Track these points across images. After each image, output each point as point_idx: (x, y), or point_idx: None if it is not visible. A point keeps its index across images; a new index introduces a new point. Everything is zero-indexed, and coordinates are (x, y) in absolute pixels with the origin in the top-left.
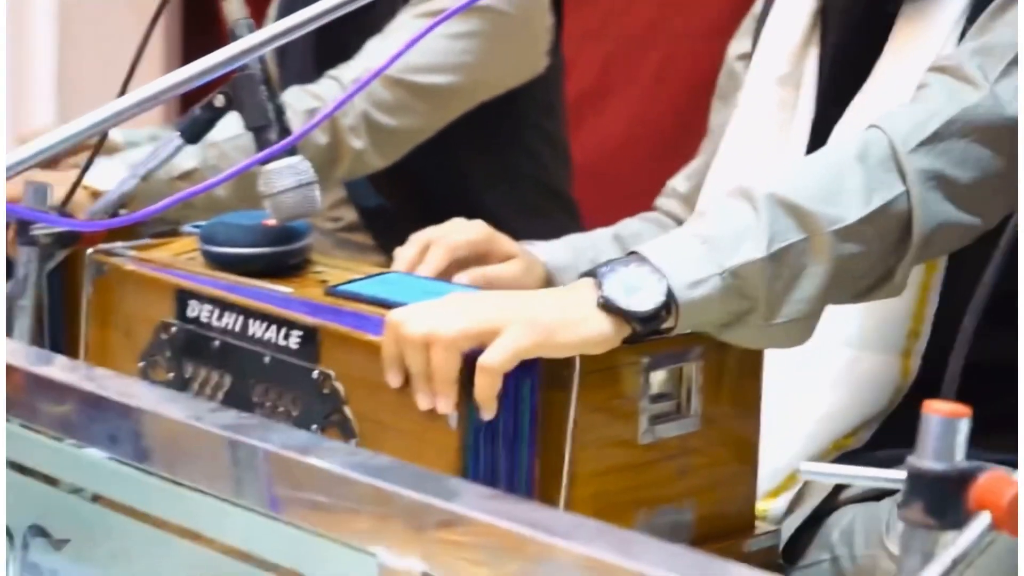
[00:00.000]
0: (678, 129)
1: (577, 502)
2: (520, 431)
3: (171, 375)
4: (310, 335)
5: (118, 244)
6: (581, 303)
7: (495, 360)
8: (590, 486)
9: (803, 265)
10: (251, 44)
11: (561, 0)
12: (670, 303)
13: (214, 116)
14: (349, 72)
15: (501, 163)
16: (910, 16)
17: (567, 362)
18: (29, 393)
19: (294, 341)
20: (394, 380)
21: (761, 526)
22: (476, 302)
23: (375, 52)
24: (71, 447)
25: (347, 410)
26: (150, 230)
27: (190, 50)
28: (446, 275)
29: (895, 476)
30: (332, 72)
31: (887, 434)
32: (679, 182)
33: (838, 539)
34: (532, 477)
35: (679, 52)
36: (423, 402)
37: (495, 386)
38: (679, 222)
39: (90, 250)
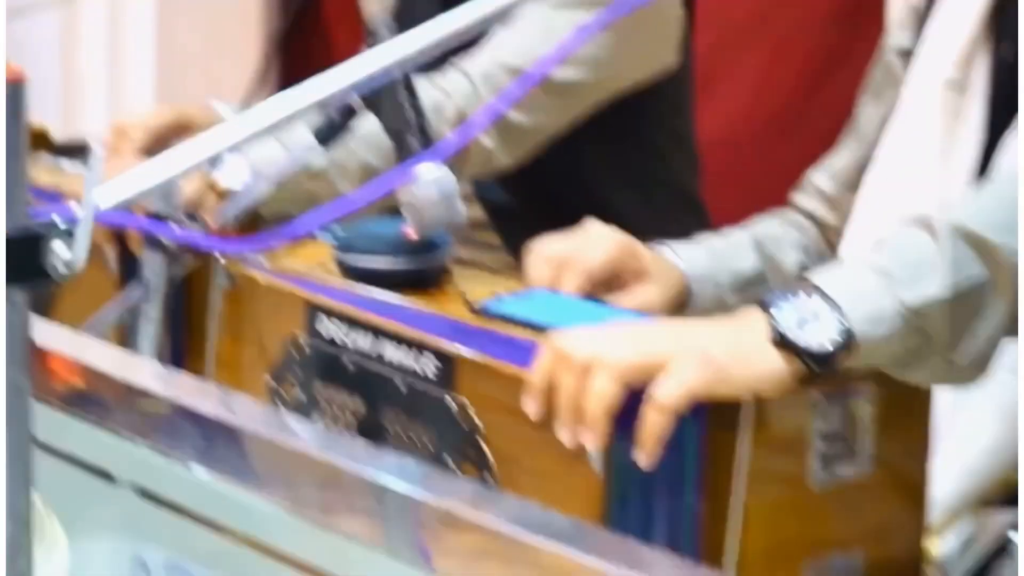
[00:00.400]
0: (789, 122)
1: (748, 552)
2: (684, 475)
3: (301, 395)
4: (447, 362)
5: (247, 251)
6: (754, 338)
7: (671, 397)
8: (762, 534)
9: (985, 302)
10: (402, 53)
11: None
12: (849, 341)
13: (350, 118)
14: (477, 65)
15: (628, 163)
16: None
17: (734, 401)
18: (165, 417)
19: (430, 367)
20: (534, 409)
21: (929, 572)
22: (646, 331)
23: (504, 43)
24: (213, 480)
25: (485, 447)
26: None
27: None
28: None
29: None
30: (459, 64)
31: None
32: (822, 180)
33: None
34: (697, 525)
35: (789, 43)
36: (567, 437)
37: (667, 427)
38: (819, 223)
39: (221, 258)
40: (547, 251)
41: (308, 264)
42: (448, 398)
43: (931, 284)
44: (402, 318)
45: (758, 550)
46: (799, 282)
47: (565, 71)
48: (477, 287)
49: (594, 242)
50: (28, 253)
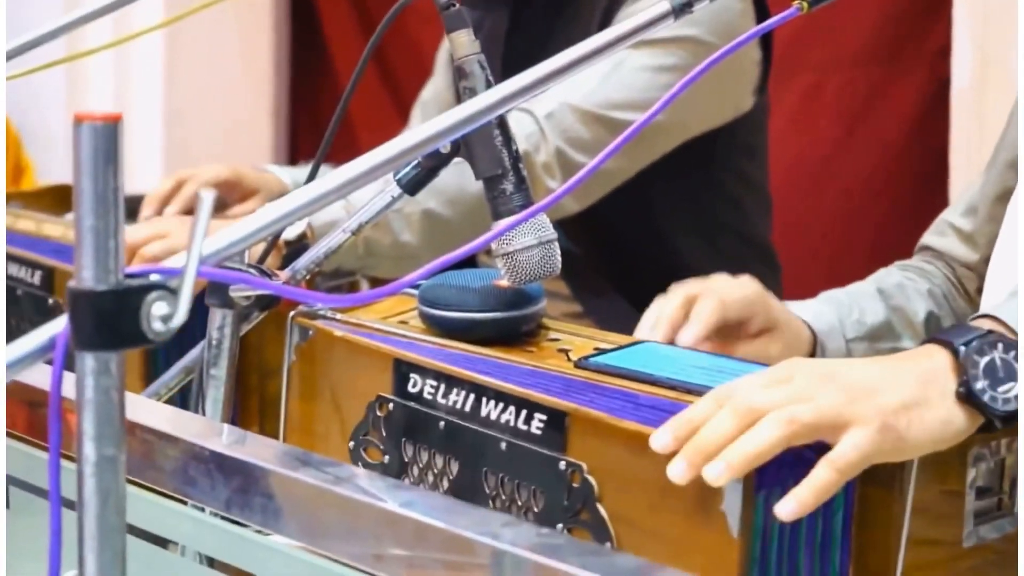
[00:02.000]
0: (829, 160)
1: None
2: (831, 535)
3: (387, 458)
4: (557, 419)
5: (320, 305)
6: (939, 391)
7: (847, 462)
8: None
9: None
10: (498, 97)
11: (771, 34)
12: None
13: (439, 164)
14: (542, 106)
15: (697, 209)
16: None
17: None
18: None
19: (537, 426)
20: (663, 442)
21: None
22: (821, 387)
23: (572, 82)
24: (303, 552)
25: (600, 509)
26: (328, 282)
27: (298, 65)
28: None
29: None
30: (524, 104)
31: None
32: (956, 219)
33: None
34: None
35: (824, 82)
36: (679, 470)
37: (834, 488)
38: (953, 261)
39: (292, 312)
40: (679, 290)
41: (386, 318)
42: (558, 458)
43: None
44: (501, 374)
45: None
46: (987, 322)
47: (637, 114)
48: (578, 342)
49: (729, 284)
50: (125, 313)
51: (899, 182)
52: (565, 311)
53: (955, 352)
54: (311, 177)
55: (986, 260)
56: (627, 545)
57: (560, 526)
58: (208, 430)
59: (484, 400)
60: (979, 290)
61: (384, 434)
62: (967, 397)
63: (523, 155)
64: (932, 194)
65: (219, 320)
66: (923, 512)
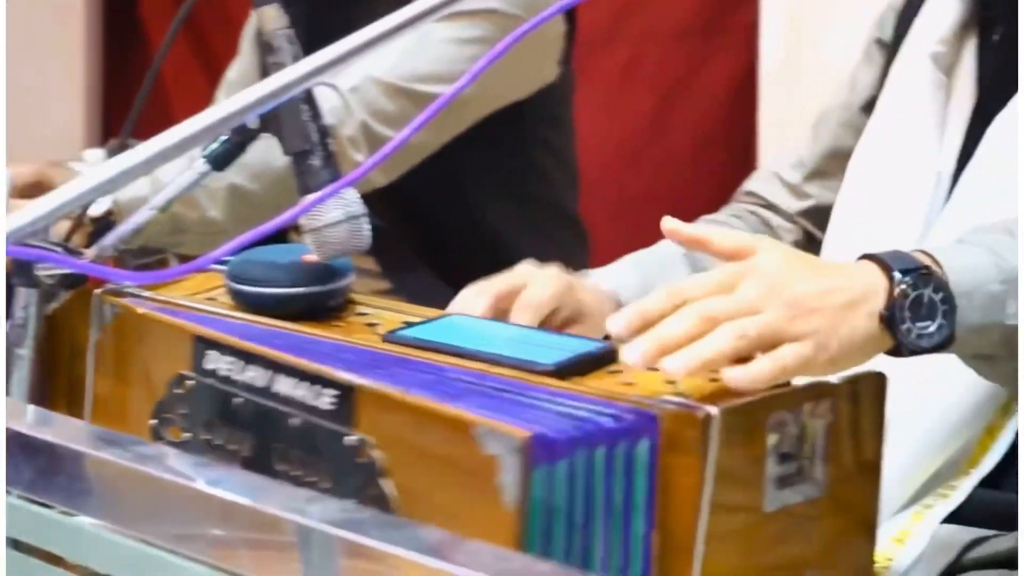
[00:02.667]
0: (643, 133)
1: None
2: (632, 503)
3: (187, 436)
4: (347, 394)
5: (128, 283)
6: (868, 311)
7: (786, 365)
8: (718, 564)
9: None
10: (305, 71)
11: (575, 7)
12: (946, 345)
13: (246, 139)
14: (347, 80)
15: (505, 180)
16: None
17: (692, 422)
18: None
19: (328, 401)
20: (618, 325)
21: None
22: (767, 301)
23: (377, 55)
24: (111, 533)
25: (387, 483)
26: (135, 260)
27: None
28: None
29: None
30: (328, 79)
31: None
32: (784, 170)
33: None
34: (649, 557)
35: (640, 58)
36: (637, 357)
37: (768, 382)
38: (775, 211)
39: (98, 290)
40: (486, 287)
41: (195, 295)
42: (346, 433)
43: None
44: (300, 349)
45: None
46: (928, 268)
47: (443, 86)
48: (386, 316)
49: (538, 279)
50: None
51: (711, 155)
52: (375, 288)
53: (891, 276)
54: (118, 152)
55: (805, 214)
56: (413, 520)
57: (347, 503)
58: (12, 410)
59: (278, 376)
60: (795, 243)
61: (185, 412)
62: (888, 321)
63: (332, 130)
64: (742, 169)
65: (23, 299)
66: (725, 478)
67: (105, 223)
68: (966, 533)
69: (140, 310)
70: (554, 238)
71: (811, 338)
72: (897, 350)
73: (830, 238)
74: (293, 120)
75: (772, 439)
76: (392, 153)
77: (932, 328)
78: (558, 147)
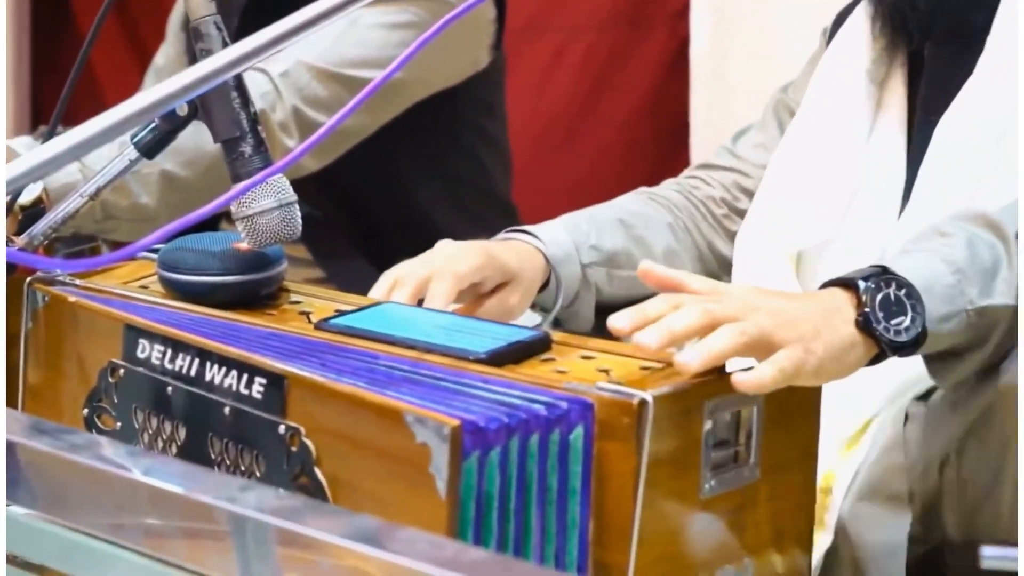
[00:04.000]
0: (573, 120)
1: (641, 568)
2: (568, 489)
3: (119, 424)
4: (276, 383)
5: (59, 271)
6: (841, 320)
7: (782, 370)
8: (654, 549)
9: None
10: (235, 56)
11: None
12: (923, 336)
13: (176, 127)
14: (277, 65)
15: (438, 166)
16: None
17: (626, 409)
18: None
19: (258, 390)
20: (621, 320)
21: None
22: (752, 311)
23: (308, 41)
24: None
25: (318, 472)
26: (67, 247)
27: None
28: None
29: None
30: (259, 64)
31: None
32: (729, 143)
33: None
34: (585, 542)
35: (570, 44)
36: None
37: (768, 388)
38: (724, 187)
39: (29, 278)
40: (407, 269)
41: (127, 283)
42: (278, 421)
43: (1001, 291)
44: (230, 338)
45: (650, 567)
46: (884, 272)
47: (374, 71)
48: (318, 304)
49: (457, 252)
50: None
51: (641, 142)
52: (307, 276)
53: (855, 288)
54: (47, 139)
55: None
56: (345, 507)
57: (279, 491)
58: None
59: (208, 364)
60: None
61: (116, 400)
62: (864, 325)
63: (259, 114)
64: (673, 152)
65: None
66: (660, 463)
67: (35, 211)
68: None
69: (71, 298)
70: (487, 223)
71: (799, 343)
72: (880, 355)
73: (744, 231)
74: (223, 107)
75: (707, 425)
76: (324, 138)
77: (907, 322)
78: (490, 133)
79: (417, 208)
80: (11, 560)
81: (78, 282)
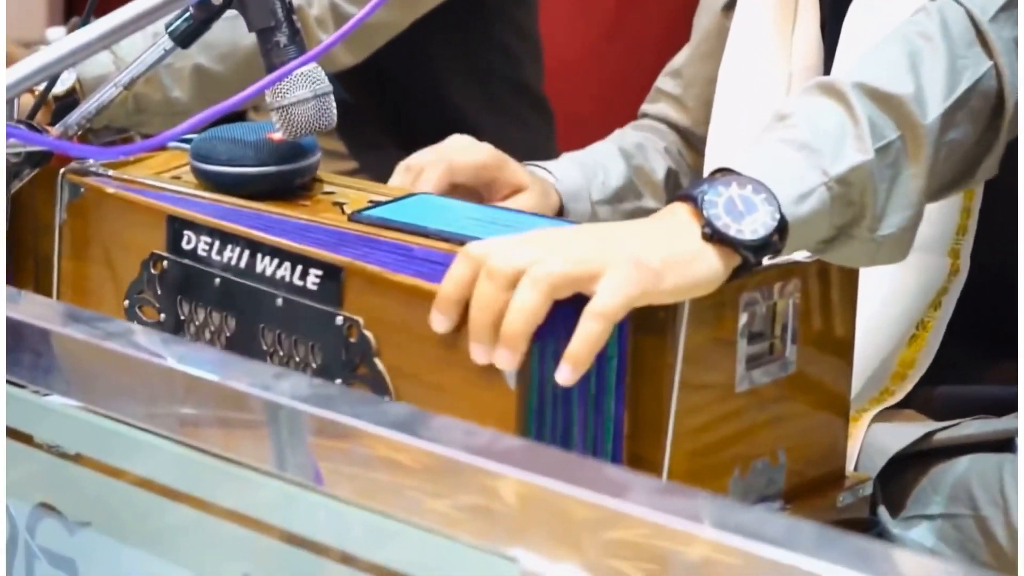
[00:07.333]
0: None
1: (675, 461)
2: (605, 384)
3: (163, 316)
4: (333, 274)
5: (92, 160)
6: (687, 237)
7: (608, 306)
8: (688, 443)
9: (900, 164)
10: None
11: None
12: (782, 224)
13: (211, 16)
14: None
15: (470, 58)
16: None
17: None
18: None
19: (313, 281)
20: (443, 324)
21: (851, 476)
22: (574, 239)
23: None
24: (80, 411)
25: (378, 363)
26: (98, 140)
27: None
28: None
29: None
30: None
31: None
32: (665, 83)
33: (948, 496)
34: (620, 436)
35: None
36: (480, 355)
37: (603, 337)
38: (673, 126)
39: (63, 169)
40: (417, 157)
41: (159, 174)
42: (335, 313)
43: (852, 149)
44: (276, 229)
45: (684, 459)
46: (720, 172)
47: None
48: (352, 195)
49: (462, 145)
50: None
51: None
52: (340, 169)
53: (694, 200)
54: (82, 26)
55: (695, 124)
56: (407, 399)
57: (339, 381)
58: None
59: (259, 256)
60: (701, 154)
61: (159, 292)
62: (712, 236)
63: (296, 9)
64: None
65: None
66: (695, 357)
67: (69, 101)
68: (920, 427)
69: (110, 189)
70: (520, 115)
71: (628, 262)
72: (745, 263)
73: (708, 152)
74: None
75: (742, 319)
76: (358, 30)
77: (761, 217)
78: (522, 24)
79: (449, 99)
80: (47, 449)
81: (111, 173)
